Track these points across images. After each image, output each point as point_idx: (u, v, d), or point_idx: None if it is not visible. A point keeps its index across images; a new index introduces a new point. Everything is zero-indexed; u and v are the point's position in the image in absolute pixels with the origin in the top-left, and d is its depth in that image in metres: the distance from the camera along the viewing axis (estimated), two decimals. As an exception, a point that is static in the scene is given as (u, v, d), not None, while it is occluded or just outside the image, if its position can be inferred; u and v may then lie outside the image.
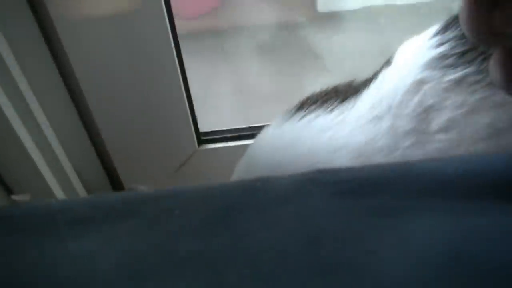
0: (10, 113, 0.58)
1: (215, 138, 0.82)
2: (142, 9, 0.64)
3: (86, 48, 0.67)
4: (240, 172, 0.53)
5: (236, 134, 0.81)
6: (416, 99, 0.37)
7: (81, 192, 0.76)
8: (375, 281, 0.19)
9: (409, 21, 1.33)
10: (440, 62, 0.37)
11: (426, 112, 0.37)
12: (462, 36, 0.37)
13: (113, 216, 0.25)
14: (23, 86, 0.62)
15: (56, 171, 0.68)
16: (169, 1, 0.66)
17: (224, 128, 0.83)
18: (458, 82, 0.35)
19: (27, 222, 0.25)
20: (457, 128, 0.36)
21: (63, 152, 0.71)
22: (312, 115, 0.45)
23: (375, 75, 0.44)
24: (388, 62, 0.43)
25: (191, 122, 0.79)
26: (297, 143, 0.45)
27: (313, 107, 0.46)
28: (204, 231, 0.23)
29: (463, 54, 0.36)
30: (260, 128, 0.55)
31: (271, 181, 0.26)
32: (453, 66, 0.36)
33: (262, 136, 0.52)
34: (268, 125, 0.53)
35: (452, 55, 0.37)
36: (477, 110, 0.35)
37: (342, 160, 0.40)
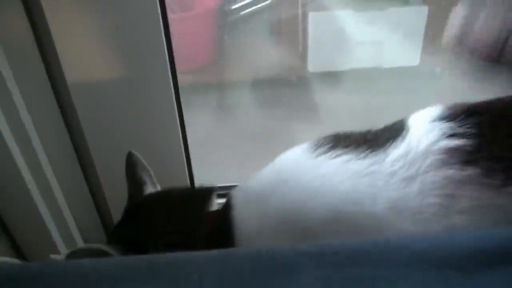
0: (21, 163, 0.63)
1: (210, 194, 0.86)
2: (149, 73, 0.70)
3: (94, 107, 0.72)
4: (264, 185, 0.56)
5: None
6: (439, 175, 0.44)
7: (79, 240, 0.79)
8: None
9: (394, 84, 1.42)
10: (456, 154, 0.45)
11: (449, 193, 0.43)
12: (470, 135, 0.45)
13: (139, 278, 0.29)
14: (36, 144, 0.67)
15: (57, 221, 0.72)
16: (175, 70, 0.72)
17: (219, 185, 0.87)
18: (471, 179, 0.43)
19: (64, 280, 0.29)
20: (475, 215, 0.42)
21: (65, 203, 0.75)
22: (347, 157, 0.50)
23: (393, 132, 0.51)
24: (403, 124, 0.50)
25: (188, 178, 0.83)
26: (334, 179, 0.49)
27: (348, 149, 0.51)
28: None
29: (471, 153, 0.44)
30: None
31: (275, 252, 0.31)
32: (465, 162, 0.44)
33: (292, 159, 0.56)
34: (294, 148, 0.56)
35: (465, 152, 0.44)
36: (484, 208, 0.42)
37: (380, 208, 0.45)
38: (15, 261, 0.47)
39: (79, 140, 0.76)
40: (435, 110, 0.49)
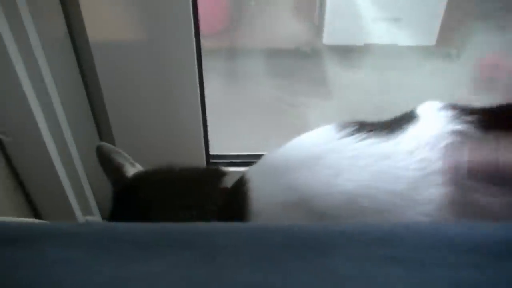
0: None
1: (224, 162, 0.86)
2: (172, 36, 0.70)
3: (114, 67, 0.72)
4: (284, 158, 0.57)
5: (244, 160, 0.86)
6: (453, 157, 0.48)
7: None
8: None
9: (408, 62, 1.41)
10: (463, 137, 0.49)
11: (462, 182, 0.47)
12: (472, 123, 0.50)
13: (175, 245, 0.29)
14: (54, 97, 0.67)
15: (75, 186, 0.73)
16: (199, 34, 0.71)
17: (233, 153, 0.88)
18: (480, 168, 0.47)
19: (97, 240, 0.30)
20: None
21: (83, 169, 0.76)
22: (371, 140, 0.53)
23: (406, 119, 0.55)
24: (413, 114, 0.55)
25: (203, 143, 0.84)
26: (360, 162, 0.52)
27: (371, 133, 0.54)
28: (255, 267, 0.28)
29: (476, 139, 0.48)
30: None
31: (306, 229, 0.31)
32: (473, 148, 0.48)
33: (316, 138, 0.57)
34: (317, 129, 0.58)
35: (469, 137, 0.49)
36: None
37: (400, 187, 0.49)
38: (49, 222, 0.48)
39: (96, 101, 0.76)
40: (438, 103, 0.55)
